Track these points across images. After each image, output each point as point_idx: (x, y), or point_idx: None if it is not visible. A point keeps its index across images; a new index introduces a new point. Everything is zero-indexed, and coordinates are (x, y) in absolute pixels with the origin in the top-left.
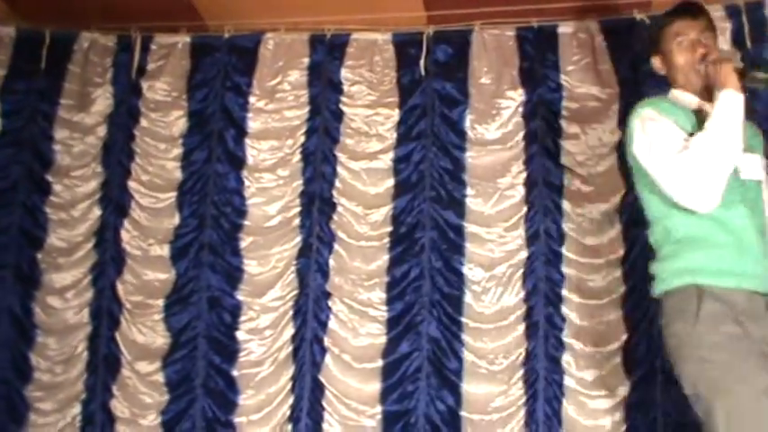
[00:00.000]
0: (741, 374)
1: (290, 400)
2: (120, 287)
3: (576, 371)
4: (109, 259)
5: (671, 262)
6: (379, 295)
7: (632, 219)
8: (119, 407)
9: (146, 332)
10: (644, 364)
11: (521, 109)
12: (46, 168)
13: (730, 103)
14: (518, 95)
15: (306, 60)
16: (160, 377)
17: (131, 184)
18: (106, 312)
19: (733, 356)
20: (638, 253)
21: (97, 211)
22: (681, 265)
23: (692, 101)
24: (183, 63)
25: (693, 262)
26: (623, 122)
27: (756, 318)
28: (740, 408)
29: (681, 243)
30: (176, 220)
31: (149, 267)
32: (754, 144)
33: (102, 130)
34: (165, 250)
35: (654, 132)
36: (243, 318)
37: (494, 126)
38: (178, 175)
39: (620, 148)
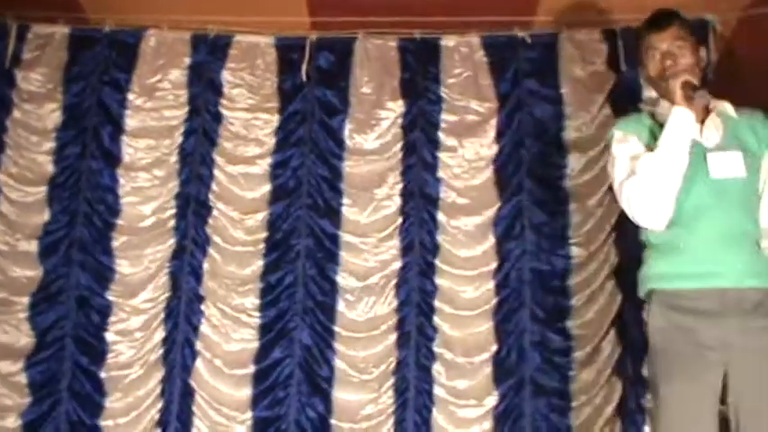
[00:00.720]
0: (664, 382)
1: (160, 404)
2: None
3: (446, 380)
4: None
5: (642, 268)
6: (253, 301)
7: (506, 232)
8: None
9: (9, 330)
10: (513, 375)
11: (400, 120)
12: None
13: (676, 120)
14: (398, 106)
15: (187, 60)
16: (23, 378)
17: (0, 177)
18: None
19: (668, 363)
20: (510, 266)
21: None
22: (644, 271)
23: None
24: (60, 54)
25: (651, 268)
26: (501, 137)
27: (724, 314)
28: (660, 413)
29: (649, 250)
30: (46, 215)
31: (16, 263)
32: (750, 140)
33: None
34: (33, 246)
35: (615, 154)
36: (112, 318)
37: (372, 136)
38: (50, 169)
39: (496, 162)
